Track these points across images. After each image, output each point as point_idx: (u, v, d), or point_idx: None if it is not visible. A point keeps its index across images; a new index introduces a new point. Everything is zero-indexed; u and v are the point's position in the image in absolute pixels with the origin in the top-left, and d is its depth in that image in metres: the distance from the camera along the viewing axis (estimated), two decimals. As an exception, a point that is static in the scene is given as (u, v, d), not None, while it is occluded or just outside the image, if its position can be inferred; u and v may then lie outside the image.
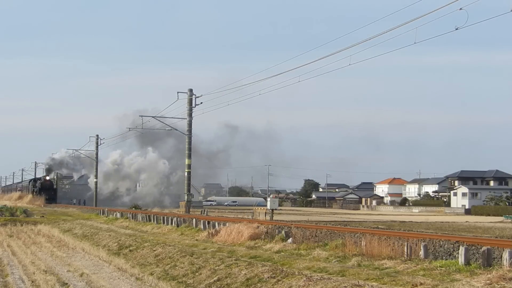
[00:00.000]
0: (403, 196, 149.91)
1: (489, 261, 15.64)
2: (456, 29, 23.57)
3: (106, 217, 50.32)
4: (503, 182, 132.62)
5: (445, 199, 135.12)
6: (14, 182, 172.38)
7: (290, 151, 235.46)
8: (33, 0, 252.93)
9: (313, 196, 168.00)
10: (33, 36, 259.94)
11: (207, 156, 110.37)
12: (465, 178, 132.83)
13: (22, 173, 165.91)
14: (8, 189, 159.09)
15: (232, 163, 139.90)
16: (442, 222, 61.51)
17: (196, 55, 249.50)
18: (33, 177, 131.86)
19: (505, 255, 14.98)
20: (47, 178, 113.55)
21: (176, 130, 58.64)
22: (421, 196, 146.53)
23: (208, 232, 28.04)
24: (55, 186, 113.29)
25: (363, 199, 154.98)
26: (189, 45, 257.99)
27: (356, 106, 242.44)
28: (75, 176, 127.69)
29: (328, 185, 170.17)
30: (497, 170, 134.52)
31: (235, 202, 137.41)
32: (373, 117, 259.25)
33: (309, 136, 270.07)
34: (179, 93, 51.80)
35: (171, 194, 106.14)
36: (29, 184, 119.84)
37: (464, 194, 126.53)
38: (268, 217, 47.71)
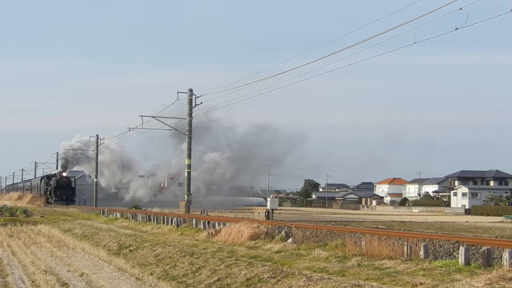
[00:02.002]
0: (403, 196, 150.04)
1: (489, 261, 15.64)
2: (456, 29, 23.59)
3: (106, 217, 50.32)
4: (503, 182, 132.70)
5: (445, 199, 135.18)
6: (19, 181, 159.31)
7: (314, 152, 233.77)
8: (36, 0, 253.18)
9: (313, 196, 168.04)
10: (34, 36, 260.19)
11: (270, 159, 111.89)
12: (465, 178, 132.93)
13: (22, 173, 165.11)
14: (13, 188, 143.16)
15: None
16: (442, 222, 61.52)
17: (197, 55, 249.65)
18: (46, 174, 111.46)
19: (505, 255, 14.98)
20: (64, 174, 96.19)
21: (176, 130, 58.60)
22: (421, 196, 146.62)
23: (208, 232, 28.04)
24: (73, 184, 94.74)
25: (363, 199, 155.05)
26: (190, 45, 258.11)
27: (357, 106, 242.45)
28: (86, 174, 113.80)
29: (328, 185, 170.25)
30: (497, 170, 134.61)
31: (235, 202, 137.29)
32: (373, 117, 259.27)
33: (324, 136, 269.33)
34: (179, 93, 51.84)
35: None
36: (40, 182, 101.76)
37: (464, 194, 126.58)
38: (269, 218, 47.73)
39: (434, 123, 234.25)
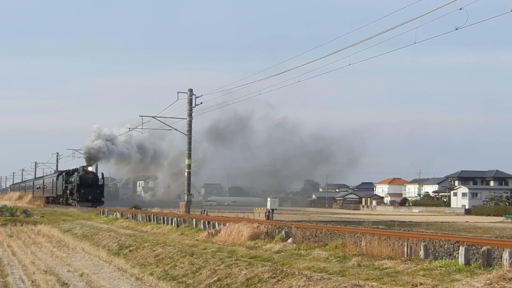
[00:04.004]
0: (403, 196, 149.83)
1: (489, 261, 15.64)
2: (456, 29, 23.61)
3: (106, 217, 50.27)
4: (503, 182, 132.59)
5: (445, 199, 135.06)
6: (19, 180, 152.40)
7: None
8: (36, 0, 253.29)
9: (313, 196, 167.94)
10: (34, 36, 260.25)
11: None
12: (465, 178, 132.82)
13: (22, 173, 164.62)
14: (19, 187, 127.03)
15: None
16: (442, 222, 61.56)
17: (198, 55, 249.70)
18: (64, 169, 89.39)
19: (505, 255, 14.97)
20: (89, 169, 78.59)
21: (176, 130, 58.63)
22: (421, 196, 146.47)
23: (208, 232, 28.03)
24: (101, 182, 77.38)
25: (363, 199, 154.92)
26: (190, 45, 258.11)
27: (358, 106, 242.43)
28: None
29: (328, 185, 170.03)
30: (497, 170, 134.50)
31: (235, 202, 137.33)
32: (375, 117, 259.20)
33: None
34: (179, 93, 51.87)
35: None
36: (57, 180, 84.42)
37: (464, 194, 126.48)
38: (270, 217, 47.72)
39: (434, 123, 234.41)
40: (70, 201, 77.63)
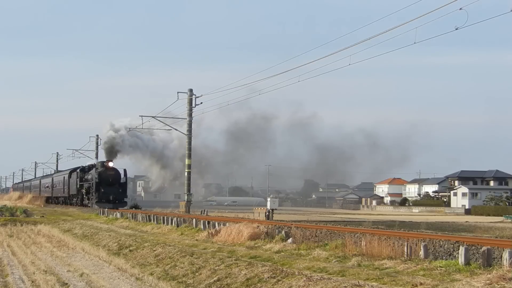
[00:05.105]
0: (403, 196, 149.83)
1: (489, 261, 15.63)
2: (456, 29, 23.61)
3: (106, 217, 50.26)
4: (503, 182, 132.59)
5: (445, 199, 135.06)
6: (19, 180, 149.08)
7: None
8: (36, 0, 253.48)
9: (313, 196, 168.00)
10: (34, 36, 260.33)
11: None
12: (465, 178, 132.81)
13: (22, 173, 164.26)
14: (23, 187, 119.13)
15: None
16: (442, 222, 61.60)
17: (198, 55, 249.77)
18: (78, 166, 74.73)
19: (505, 255, 14.97)
20: (110, 164, 65.90)
21: (176, 130, 58.56)
22: (421, 196, 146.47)
23: (208, 232, 28.02)
24: (123, 179, 66.19)
25: (363, 199, 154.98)
26: (190, 45, 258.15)
27: (358, 106, 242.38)
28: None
29: (328, 185, 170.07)
30: (497, 170, 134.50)
31: (235, 202, 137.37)
32: (375, 117, 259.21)
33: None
34: (179, 93, 51.85)
35: None
36: (69, 178, 74.41)
37: (464, 194, 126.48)
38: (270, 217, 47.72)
39: (434, 123, 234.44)
40: (86, 201, 67.77)
